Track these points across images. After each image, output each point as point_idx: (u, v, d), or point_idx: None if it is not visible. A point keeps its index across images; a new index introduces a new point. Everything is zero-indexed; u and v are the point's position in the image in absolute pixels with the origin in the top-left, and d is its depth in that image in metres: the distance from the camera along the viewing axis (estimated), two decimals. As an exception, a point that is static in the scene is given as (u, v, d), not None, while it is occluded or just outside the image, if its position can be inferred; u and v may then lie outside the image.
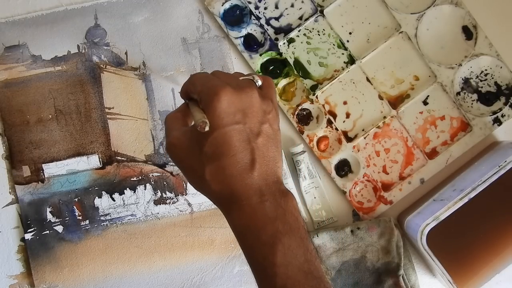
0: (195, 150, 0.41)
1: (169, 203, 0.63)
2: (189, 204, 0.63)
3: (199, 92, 0.42)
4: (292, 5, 0.63)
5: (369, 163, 0.63)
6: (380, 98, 0.63)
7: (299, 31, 0.63)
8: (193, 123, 0.44)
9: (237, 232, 0.41)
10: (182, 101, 0.60)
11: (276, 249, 0.39)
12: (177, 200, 0.63)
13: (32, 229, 0.62)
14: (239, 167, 0.40)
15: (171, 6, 0.64)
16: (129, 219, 0.63)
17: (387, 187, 0.63)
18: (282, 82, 0.63)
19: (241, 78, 0.45)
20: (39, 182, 0.63)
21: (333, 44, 0.63)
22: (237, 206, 0.40)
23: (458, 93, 0.63)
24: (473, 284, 0.56)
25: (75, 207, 0.62)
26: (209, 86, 0.42)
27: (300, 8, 0.64)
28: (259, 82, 0.45)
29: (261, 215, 0.40)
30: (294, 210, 0.41)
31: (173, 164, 0.63)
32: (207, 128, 0.40)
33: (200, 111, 0.42)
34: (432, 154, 0.63)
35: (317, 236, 0.60)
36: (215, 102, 0.40)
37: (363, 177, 0.62)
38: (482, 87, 0.63)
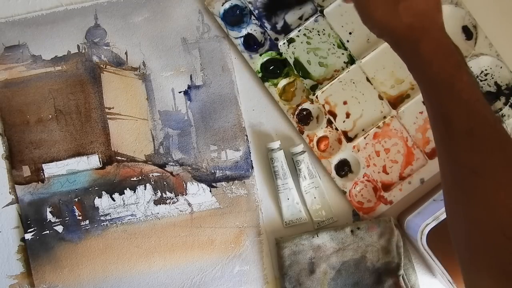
0: None
1: (169, 203, 0.63)
2: (189, 204, 0.63)
3: None
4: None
5: (369, 163, 0.63)
6: (380, 98, 0.63)
7: (299, 31, 0.63)
8: None
9: (423, 60, 0.45)
10: (182, 100, 0.60)
11: (462, 70, 0.44)
12: (177, 200, 0.63)
13: (32, 229, 0.62)
14: (430, 5, 0.46)
15: (171, 6, 0.64)
16: (129, 219, 0.63)
17: (387, 187, 0.63)
18: (282, 82, 0.63)
19: None
20: (39, 182, 0.63)
21: (333, 44, 0.63)
22: (426, 36, 0.45)
23: (458, 93, 0.63)
24: (473, 284, 0.56)
25: (75, 207, 0.62)
26: None
27: (300, 8, 0.64)
28: None
29: (447, 43, 0.46)
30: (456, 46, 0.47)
31: (173, 164, 0.63)
32: None
33: None
34: (432, 154, 0.63)
35: (317, 236, 0.60)
36: None
37: (363, 177, 0.62)
38: (482, 87, 0.63)
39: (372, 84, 0.63)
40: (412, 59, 0.47)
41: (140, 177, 0.63)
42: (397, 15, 0.45)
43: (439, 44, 0.45)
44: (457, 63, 0.45)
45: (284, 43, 0.63)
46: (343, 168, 0.63)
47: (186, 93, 0.63)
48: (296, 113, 0.63)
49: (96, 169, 0.63)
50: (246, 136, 0.63)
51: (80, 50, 0.64)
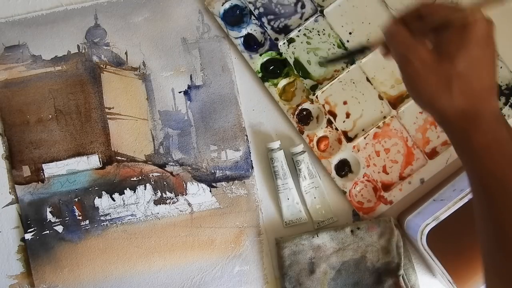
0: (444, 62, 0.41)
1: (169, 203, 0.63)
2: (189, 204, 0.63)
3: (447, 16, 0.42)
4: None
5: (369, 163, 0.63)
6: (380, 98, 0.63)
7: (299, 31, 0.63)
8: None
9: (474, 152, 0.41)
10: (182, 100, 0.59)
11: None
12: (177, 200, 0.63)
13: (32, 229, 0.62)
14: (486, 89, 0.41)
15: (171, 6, 0.64)
16: (129, 219, 0.63)
17: (387, 187, 0.63)
18: (282, 82, 0.63)
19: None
20: (39, 182, 0.63)
21: (333, 44, 0.63)
22: (480, 127, 0.41)
23: (458, 93, 0.63)
24: (473, 284, 0.56)
25: (75, 207, 0.62)
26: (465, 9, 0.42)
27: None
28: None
29: (502, 137, 0.41)
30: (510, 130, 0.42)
31: (173, 164, 0.63)
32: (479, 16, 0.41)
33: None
34: (432, 154, 0.63)
35: (317, 236, 0.60)
36: (483, 21, 0.43)
37: (363, 177, 0.62)
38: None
39: (372, 84, 0.63)
40: (462, 149, 0.42)
41: (140, 177, 0.63)
42: (450, 95, 0.41)
43: (494, 136, 0.40)
44: (509, 158, 0.40)
45: (284, 43, 0.63)
46: (343, 168, 0.63)
47: (186, 93, 0.63)
48: (296, 113, 0.63)
49: (96, 169, 0.63)
50: (246, 136, 0.63)
51: (80, 50, 0.64)
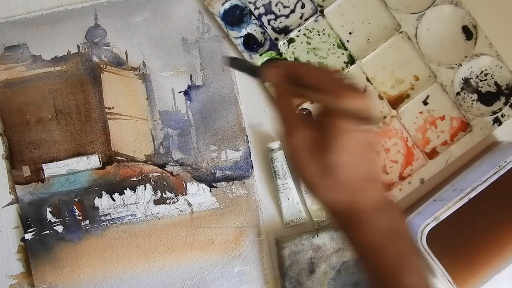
0: (322, 154, 0.38)
1: (169, 203, 0.63)
2: (189, 204, 0.63)
3: (322, 88, 0.38)
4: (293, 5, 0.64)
5: (369, 163, 0.63)
6: (380, 98, 0.63)
7: (299, 31, 0.63)
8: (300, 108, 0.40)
9: (360, 249, 0.39)
10: (182, 100, 0.59)
11: (403, 268, 0.38)
12: (177, 200, 0.63)
13: (32, 229, 0.62)
14: (364, 180, 0.39)
15: (171, 6, 0.64)
16: (129, 219, 0.62)
17: (387, 187, 0.63)
18: (282, 82, 0.63)
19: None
20: (39, 182, 0.63)
21: (333, 44, 0.63)
22: (360, 220, 0.38)
23: (458, 93, 0.63)
24: (473, 284, 0.56)
25: (75, 207, 0.62)
26: (338, 84, 0.38)
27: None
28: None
29: (384, 231, 0.38)
30: (403, 220, 0.40)
31: (173, 164, 0.63)
32: (375, 124, 0.39)
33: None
34: (432, 154, 0.63)
35: (317, 236, 0.60)
36: (360, 100, 0.37)
37: (363, 177, 0.62)
38: (482, 87, 0.63)
39: (372, 84, 0.63)
40: (348, 244, 0.40)
41: (140, 177, 0.63)
42: (327, 190, 0.38)
43: (373, 230, 0.38)
44: (397, 257, 0.38)
45: (284, 43, 0.63)
46: (343, 168, 0.63)
47: (186, 93, 0.63)
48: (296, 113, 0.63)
49: (96, 169, 0.63)
50: (246, 136, 0.63)
51: (80, 50, 0.64)
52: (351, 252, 0.40)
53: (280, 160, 0.61)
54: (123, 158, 0.63)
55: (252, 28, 0.63)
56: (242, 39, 0.63)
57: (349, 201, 0.38)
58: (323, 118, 0.39)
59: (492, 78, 0.63)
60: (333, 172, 0.38)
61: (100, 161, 0.63)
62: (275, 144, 0.61)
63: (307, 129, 0.39)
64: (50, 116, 0.63)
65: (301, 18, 0.64)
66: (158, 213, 0.63)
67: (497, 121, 0.62)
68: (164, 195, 0.63)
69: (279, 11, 0.64)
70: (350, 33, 0.63)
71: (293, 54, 0.63)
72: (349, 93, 0.37)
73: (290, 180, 0.62)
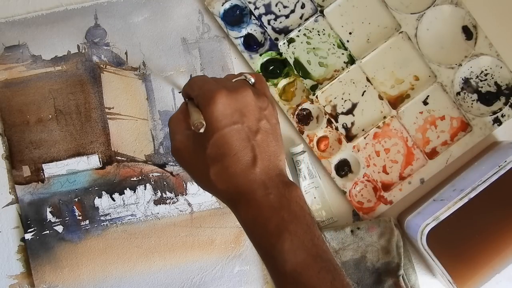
0: (199, 153, 0.43)
1: (169, 203, 0.63)
2: (189, 204, 0.63)
3: (196, 96, 0.44)
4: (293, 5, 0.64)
5: (369, 163, 0.63)
6: (380, 98, 0.63)
7: (299, 31, 0.63)
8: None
9: (245, 227, 0.43)
10: (182, 101, 0.60)
11: (283, 237, 0.40)
12: (177, 200, 0.63)
13: (32, 229, 0.62)
14: (242, 165, 0.42)
15: (171, 6, 0.64)
16: (129, 219, 0.63)
17: (387, 187, 0.63)
18: (282, 82, 0.63)
19: (234, 80, 0.46)
20: (39, 182, 0.63)
21: (333, 44, 0.63)
22: (243, 202, 0.42)
23: (458, 93, 0.63)
24: (473, 284, 0.56)
25: (75, 207, 0.62)
26: (204, 90, 0.43)
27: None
28: (252, 80, 0.46)
29: (267, 207, 0.41)
30: (298, 199, 0.42)
31: (173, 164, 0.63)
32: (202, 130, 0.42)
33: (197, 111, 0.43)
34: (432, 154, 0.63)
35: (317, 236, 0.60)
36: (211, 105, 0.42)
37: (363, 177, 0.62)
38: (482, 87, 0.63)
39: (372, 84, 0.63)
40: (240, 224, 0.44)
41: (140, 177, 0.63)
42: (211, 181, 0.43)
43: (256, 209, 0.41)
44: (276, 229, 0.40)
45: (284, 43, 0.63)
46: (343, 168, 0.63)
47: (186, 93, 0.63)
48: (296, 113, 0.63)
49: (96, 169, 0.63)
50: (246, 136, 0.63)
51: (80, 50, 0.64)
52: (243, 228, 0.44)
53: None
54: (123, 158, 0.63)
55: (252, 28, 0.63)
56: (242, 39, 0.63)
57: (232, 187, 0.42)
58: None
59: (492, 78, 0.63)
60: (210, 166, 0.42)
61: (100, 161, 0.63)
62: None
63: (187, 131, 0.45)
64: (50, 116, 0.63)
65: (301, 18, 0.64)
66: (158, 213, 0.63)
67: (497, 121, 0.62)
68: (164, 195, 0.63)
69: (279, 11, 0.64)
70: (350, 33, 0.63)
71: (293, 54, 0.63)
72: (201, 104, 0.43)
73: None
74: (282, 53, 0.63)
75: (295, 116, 0.63)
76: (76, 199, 0.62)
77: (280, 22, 0.64)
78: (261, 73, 0.49)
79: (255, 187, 0.42)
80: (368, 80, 0.63)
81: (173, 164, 0.63)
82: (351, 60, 0.63)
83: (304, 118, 0.64)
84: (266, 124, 0.44)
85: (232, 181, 0.42)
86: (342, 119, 0.63)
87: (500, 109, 0.62)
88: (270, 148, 0.44)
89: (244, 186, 0.42)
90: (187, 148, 0.44)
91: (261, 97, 0.45)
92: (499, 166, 0.55)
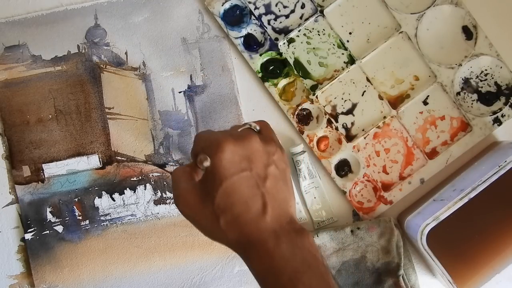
0: (207, 202, 0.42)
1: (169, 203, 0.63)
2: (189, 204, 0.63)
3: (203, 148, 0.43)
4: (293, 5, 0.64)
5: (369, 163, 0.63)
6: (380, 98, 0.63)
7: (299, 31, 0.63)
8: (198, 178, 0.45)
9: (257, 277, 0.42)
10: (182, 100, 0.60)
11: (298, 280, 0.39)
12: (177, 200, 0.63)
13: (32, 229, 0.62)
14: (252, 213, 0.41)
15: (171, 6, 0.64)
16: (129, 219, 0.63)
17: (387, 187, 0.63)
18: (282, 82, 0.63)
19: (239, 129, 0.46)
20: (39, 182, 0.63)
21: (333, 44, 0.63)
22: (254, 252, 0.41)
23: (458, 93, 0.63)
24: (473, 284, 0.56)
25: (75, 207, 0.62)
26: (211, 140, 0.43)
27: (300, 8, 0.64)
28: (257, 128, 0.46)
29: (279, 257, 0.40)
30: (311, 247, 0.42)
31: (173, 164, 0.63)
32: (206, 163, 0.41)
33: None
34: (432, 154, 0.63)
35: (317, 236, 0.60)
36: (219, 153, 0.42)
37: (363, 177, 0.62)
38: (482, 87, 0.63)
39: (372, 84, 0.63)
40: (252, 274, 0.43)
41: (140, 177, 0.63)
42: (221, 231, 0.42)
43: (269, 260, 0.41)
44: (290, 282, 0.39)
45: (284, 43, 0.63)
46: (343, 168, 0.63)
47: (186, 93, 0.63)
48: (296, 113, 0.63)
49: (96, 169, 0.63)
50: (246, 136, 0.63)
51: (80, 50, 0.64)
52: (255, 278, 0.43)
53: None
54: (123, 158, 0.63)
55: (252, 28, 0.63)
56: (242, 39, 0.63)
57: (243, 236, 0.42)
58: (205, 172, 0.44)
59: (492, 78, 0.63)
60: (220, 216, 0.42)
61: (100, 161, 0.63)
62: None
63: (193, 181, 0.44)
64: (50, 116, 0.63)
65: (301, 18, 0.64)
66: (158, 213, 0.63)
67: (497, 121, 0.62)
68: (164, 195, 0.63)
69: (279, 11, 0.64)
70: (350, 33, 0.63)
71: (293, 54, 0.63)
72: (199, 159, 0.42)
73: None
74: (282, 53, 0.63)
75: (295, 116, 0.63)
76: (76, 199, 0.62)
77: (280, 22, 0.64)
78: (266, 121, 0.49)
79: (266, 237, 0.41)
80: (368, 80, 0.63)
81: (173, 164, 0.63)
82: (351, 60, 0.63)
83: (304, 118, 0.64)
84: (275, 169, 0.43)
85: (243, 231, 0.42)
86: (342, 119, 0.63)
87: (500, 109, 0.62)
88: (280, 194, 0.43)
89: (255, 235, 0.41)
90: (194, 197, 0.43)
91: (268, 142, 0.45)
92: (499, 166, 0.55)
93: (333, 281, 0.41)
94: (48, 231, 0.62)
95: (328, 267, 0.42)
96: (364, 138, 0.63)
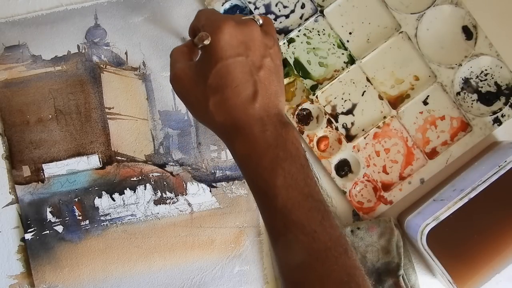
0: (200, 82, 0.42)
1: (169, 203, 0.63)
2: (189, 204, 0.63)
3: (203, 25, 0.43)
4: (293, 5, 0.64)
5: (369, 163, 0.63)
6: (380, 98, 0.63)
7: (299, 31, 0.63)
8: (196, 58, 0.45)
9: (239, 160, 0.43)
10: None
11: (276, 173, 0.40)
12: (177, 200, 0.63)
13: (32, 229, 0.62)
14: (242, 98, 0.42)
15: (171, 6, 0.64)
16: (129, 219, 0.63)
17: (387, 187, 0.63)
18: (282, 82, 0.63)
19: (243, 18, 0.46)
20: (39, 182, 0.63)
21: (333, 44, 0.63)
22: (239, 135, 0.42)
23: (458, 93, 0.63)
24: (473, 284, 0.56)
25: (75, 207, 0.62)
26: (212, 19, 0.43)
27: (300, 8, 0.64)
28: (260, 21, 0.46)
29: (262, 142, 0.41)
30: (294, 139, 0.42)
31: (173, 164, 0.63)
32: (207, 41, 0.41)
33: None
34: (432, 154, 0.63)
35: (317, 236, 0.60)
36: (218, 34, 0.41)
37: (363, 177, 0.62)
38: (482, 87, 0.63)
39: (372, 84, 0.63)
40: (232, 156, 0.44)
41: (140, 177, 0.63)
42: (209, 112, 0.42)
43: (252, 144, 0.41)
44: (270, 165, 0.40)
45: (284, 43, 0.63)
46: (343, 168, 0.63)
47: (186, 93, 0.63)
48: (296, 113, 0.63)
49: (96, 169, 0.63)
50: (246, 136, 0.63)
51: (80, 50, 0.64)
52: (236, 162, 0.44)
53: None
54: (123, 158, 0.63)
55: (252, 28, 0.63)
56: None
57: (229, 120, 0.42)
58: (202, 51, 0.44)
59: (492, 78, 0.63)
60: (210, 96, 0.42)
61: (100, 161, 0.63)
62: None
63: (190, 62, 0.45)
64: (50, 116, 0.63)
65: (301, 18, 0.64)
66: (158, 213, 0.63)
67: (497, 121, 0.62)
68: (164, 195, 0.63)
69: (279, 11, 0.64)
70: (350, 33, 0.63)
71: (293, 54, 0.63)
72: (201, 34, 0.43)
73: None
74: (282, 53, 0.63)
75: (295, 116, 0.63)
76: (76, 199, 0.62)
77: (280, 22, 0.64)
78: (270, 18, 0.50)
79: (253, 122, 0.42)
80: (368, 80, 0.63)
81: (173, 164, 0.63)
82: (351, 60, 0.63)
83: (304, 118, 0.64)
84: (270, 62, 0.44)
85: (231, 114, 0.42)
86: (342, 119, 0.63)
87: (500, 109, 0.62)
88: (272, 87, 0.43)
89: (242, 120, 0.42)
90: (188, 76, 0.43)
91: (268, 35, 0.45)
92: (499, 166, 0.55)
93: (312, 173, 0.42)
94: (48, 231, 0.62)
95: (308, 160, 0.43)
96: (364, 138, 0.63)
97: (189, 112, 0.63)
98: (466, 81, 0.63)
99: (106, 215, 0.62)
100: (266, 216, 0.42)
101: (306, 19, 0.63)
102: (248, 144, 0.41)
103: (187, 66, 0.44)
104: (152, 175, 0.63)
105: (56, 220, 0.62)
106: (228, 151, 0.63)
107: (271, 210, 0.41)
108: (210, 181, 0.63)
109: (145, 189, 0.63)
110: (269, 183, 0.40)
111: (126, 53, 0.64)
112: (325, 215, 0.40)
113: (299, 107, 0.63)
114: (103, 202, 0.63)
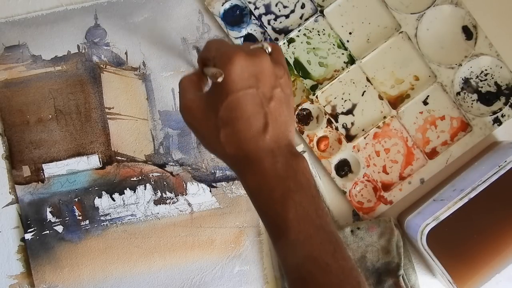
0: (211, 115, 0.43)
1: (169, 203, 0.63)
2: (189, 204, 0.63)
3: (213, 57, 0.43)
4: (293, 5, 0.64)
5: (369, 163, 0.63)
6: (380, 98, 0.63)
7: (299, 31, 0.63)
8: (206, 88, 0.45)
9: (250, 193, 0.43)
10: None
11: (288, 206, 0.40)
12: (177, 200, 0.63)
13: (32, 229, 0.62)
14: (253, 130, 0.42)
15: (171, 6, 0.64)
16: (129, 219, 0.63)
17: (387, 187, 0.63)
18: (282, 82, 0.63)
19: (251, 47, 0.46)
20: (39, 182, 0.63)
21: (333, 44, 0.63)
22: (250, 168, 0.42)
23: (458, 93, 0.63)
24: (473, 284, 0.56)
25: (75, 207, 0.62)
26: (222, 51, 0.43)
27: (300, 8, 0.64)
28: (269, 49, 0.46)
29: (273, 175, 0.41)
30: (305, 170, 0.43)
31: (173, 164, 0.63)
32: (220, 79, 0.41)
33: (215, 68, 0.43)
34: (432, 154, 0.63)
35: (317, 236, 0.60)
36: (228, 66, 0.41)
37: (363, 177, 0.62)
38: (482, 87, 0.63)
39: (372, 84, 0.63)
40: (244, 188, 0.44)
41: (140, 177, 0.63)
42: (220, 144, 0.42)
43: (263, 177, 0.41)
44: (282, 197, 0.40)
45: (284, 43, 0.63)
46: (343, 168, 0.63)
47: (186, 93, 0.63)
48: (296, 113, 0.63)
49: (96, 169, 0.63)
50: (246, 136, 0.63)
51: (80, 50, 0.64)
52: (247, 194, 0.44)
53: None
54: (123, 158, 0.63)
55: (252, 28, 0.63)
56: (242, 39, 0.63)
57: (240, 152, 0.42)
58: (213, 84, 0.44)
59: (492, 78, 0.63)
60: (221, 129, 0.42)
61: (100, 161, 0.63)
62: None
63: (200, 92, 0.45)
64: (50, 116, 0.63)
65: (301, 18, 0.64)
66: (158, 213, 0.63)
67: (497, 121, 0.62)
68: (164, 195, 0.63)
69: (279, 11, 0.64)
70: (350, 33, 0.63)
71: (293, 54, 0.63)
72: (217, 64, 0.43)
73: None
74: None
75: (295, 116, 0.63)
76: (76, 199, 0.62)
77: (280, 22, 0.64)
78: (278, 45, 0.49)
79: (263, 155, 0.42)
80: (368, 80, 0.63)
81: (173, 164, 0.63)
82: (351, 60, 0.63)
83: (304, 118, 0.64)
84: (280, 92, 0.44)
85: (242, 146, 0.42)
86: (342, 119, 0.63)
87: (500, 109, 0.62)
88: (282, 117, 0.43)
89: (253, 152, 0.42)
90: (199, 108, 0.43)
91: (277, 65, 0.45)
92: (499, 166, 0.55)
93: (323, 204, 0.42)
94: (48, 231, 0.62)
95: (319, 191, 0.43)
96: (364, 138, 0.63)
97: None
98: (466, 81, 0.63)
99: (106, 215, 0.62)
100: (277, 249, 0.42)
101: (306, 19, 0.63)
102: (259, 177, 0.42)
103: (197, 97, 0.44)
104: (152, 175, 0.63)
105: (56, 220, 0.62)
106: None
107: (282, 243, 0.41)
108: (210, 181, 0.63)
109: (145, 189, 0.63)
110: (281, 216, 0.40)
111: (126, 53, 0.64)
112: (337, 247, 0.41)
113: (299, 107, 0.63)
114: (103, 202, 0.63)
